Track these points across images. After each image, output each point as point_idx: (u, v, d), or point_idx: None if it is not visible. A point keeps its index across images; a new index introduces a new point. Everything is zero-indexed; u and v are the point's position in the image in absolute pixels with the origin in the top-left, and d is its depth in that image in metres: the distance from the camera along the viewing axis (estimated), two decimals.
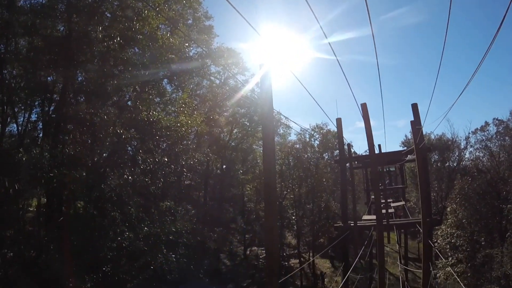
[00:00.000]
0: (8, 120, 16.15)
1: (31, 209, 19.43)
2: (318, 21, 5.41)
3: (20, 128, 16.55)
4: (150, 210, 17.39)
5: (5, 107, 15.10)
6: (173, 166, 20.54)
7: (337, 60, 7.34)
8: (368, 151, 13.95)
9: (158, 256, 15.27)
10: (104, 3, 15.28)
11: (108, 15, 16.05)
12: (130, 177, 15.69)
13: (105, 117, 14.59)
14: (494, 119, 36.20)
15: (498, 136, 36.09)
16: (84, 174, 13.36)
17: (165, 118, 16.36)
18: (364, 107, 12.22)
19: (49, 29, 14.96)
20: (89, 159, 16.60)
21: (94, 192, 14.01)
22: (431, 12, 67.61)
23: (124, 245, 13.39)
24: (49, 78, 16.26)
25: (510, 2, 3.99)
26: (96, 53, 15.54)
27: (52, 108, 17.02)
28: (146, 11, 14.88)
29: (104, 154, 18.76)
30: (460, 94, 6.95)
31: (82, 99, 16.22)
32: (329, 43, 6.42)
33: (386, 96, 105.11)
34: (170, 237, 16.26)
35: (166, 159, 17.81)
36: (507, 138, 35.26)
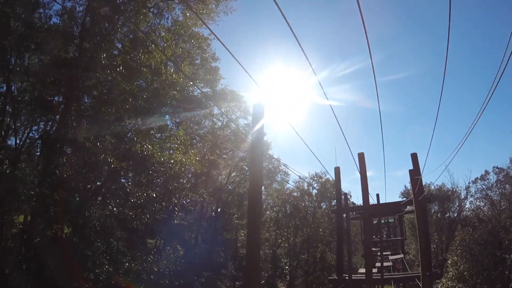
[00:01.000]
0: (10, 132, 16.02)
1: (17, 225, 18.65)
2: (315, 73, 5.58)
3: (19, 142, 16.39)
4: (135, 245, 16.54)
5: (7, 119, 15.03)
6: (164, 204, 19.93)
7: (331, 106, 7.51)
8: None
9: None
10: (116, 33, 15.81)
11: (118, 45, 16.56)
12: (115, 209, 15.16)
13: (99, 144, 14.42)
14: (494, 167, 36.18)
15: (499, 184, 35.76)
16: (70, 198, 12.93)
17: (159, 153, 16.15)
18: (361, 157, 11.80)
19: (60, 50, 15.32)
20: (81, 185, 16.16)
21: (79, 219, 13.44)
22: (432, 61, 69.83)
23: (101, 278, 12.54)
24: (55, 98, 16.41)
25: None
26: (101, 79, 15.81)
27: (54, 128, 16.96)
28: (152, 45, 15.35)
29: (98, 183, 18.32)
30: (461, 145, 6.82)
31: (83, 123, 16.20)
32: (324, 93, 6.51)
33: (386, 145, 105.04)
34: (152, 277, 15.35)
35: (154, 195, 17.28)
36: (507, 186, 34.85)
